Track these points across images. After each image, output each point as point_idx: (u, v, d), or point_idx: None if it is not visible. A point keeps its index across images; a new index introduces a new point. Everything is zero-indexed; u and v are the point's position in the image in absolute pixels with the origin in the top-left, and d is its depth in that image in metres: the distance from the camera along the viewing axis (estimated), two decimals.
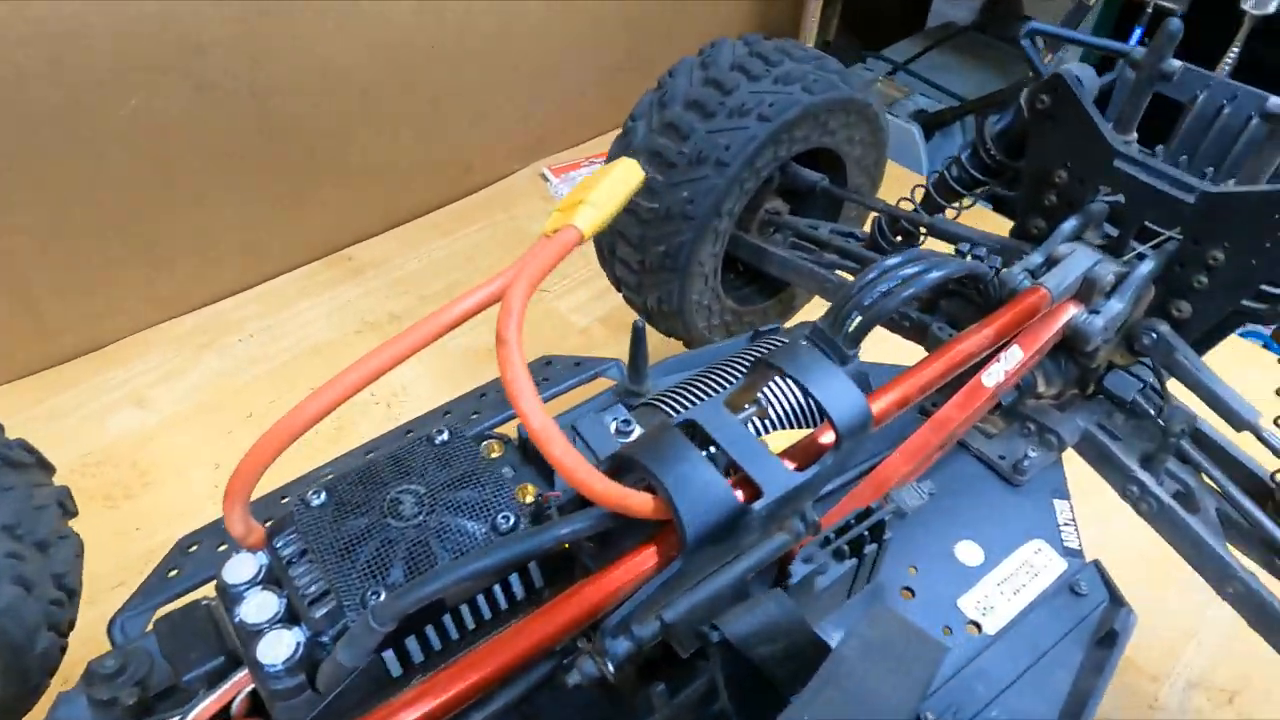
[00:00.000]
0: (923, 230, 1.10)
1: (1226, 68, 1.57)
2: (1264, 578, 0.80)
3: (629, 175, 0.66)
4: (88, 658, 0.65)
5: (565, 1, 1.87)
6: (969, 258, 0.89)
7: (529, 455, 0.74)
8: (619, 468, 0.60)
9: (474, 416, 0.87)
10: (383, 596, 0.56)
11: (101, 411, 1.44)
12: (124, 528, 1.29)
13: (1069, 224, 0.85)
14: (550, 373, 0.93)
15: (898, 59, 2.46)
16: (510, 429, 0.84)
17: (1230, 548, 0.83)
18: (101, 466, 1.37)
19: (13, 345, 1.43)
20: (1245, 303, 0.83)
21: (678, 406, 0.78)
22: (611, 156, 1.17)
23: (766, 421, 0.74)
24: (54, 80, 1.25)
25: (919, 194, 1.09)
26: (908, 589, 0.77)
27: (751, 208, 1.22)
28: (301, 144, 1.62)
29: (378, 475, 0.64)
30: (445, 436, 0.67)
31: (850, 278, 1.14)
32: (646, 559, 0.57)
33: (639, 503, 0.56)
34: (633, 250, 1.15)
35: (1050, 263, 0.83)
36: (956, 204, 1.04)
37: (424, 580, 0.53)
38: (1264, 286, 0.80)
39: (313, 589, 0.57)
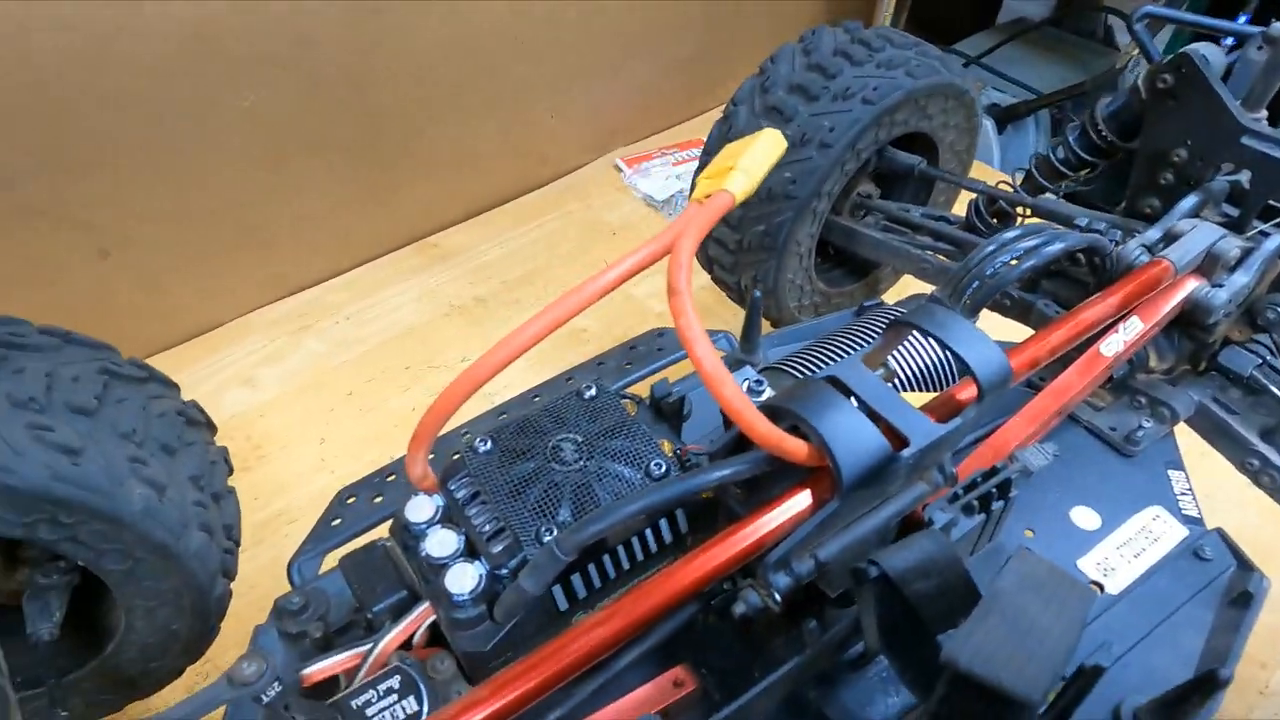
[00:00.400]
0: (1021, 213, 1.11)
1: None
2: None
3: (774, 144, 0.69)
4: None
5: None
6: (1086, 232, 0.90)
7: (661, 414, 0.78)
8: (769, 417, 0.63)
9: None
10: (555, 533, 0.61)
11: (217, 390, 1.53)
12: (243, 499, 1.35)
13: (1189, 200, 0.86)
14: (663, 343, 0.97)
15: (970, 53, 2.45)
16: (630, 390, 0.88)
17: None
18: (220, 441, 1.45)
19: (141, 327, 1.52)
20: None
21: (804, 371, 0.81)
22: (711, 140, 1.21)
23: (893, 384, 0.77)
24: (184, 75, 1.33)
25: (1019, 176, 1.11)
26: (1026, 550, 0.79)
27: (844, 191, 1.24)
28: (394, 135, 1.69)
29: (537, 425, 0.68)
30: (593, 391, 0.72)
31: (946, 260, 1.16)
32: (801, 501, 0.60)
33: (795, 446, 0.59)
34: (730, 230, 1.19)
35: (1169, 238, 0.84)
36: (1058, 185, 1.05)
37: (599, 515, 0.57)
38: None
39: (488, 527, 0.62)
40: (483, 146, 1.86)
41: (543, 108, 1.93)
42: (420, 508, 0.64)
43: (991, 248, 0.79)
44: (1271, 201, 0.83)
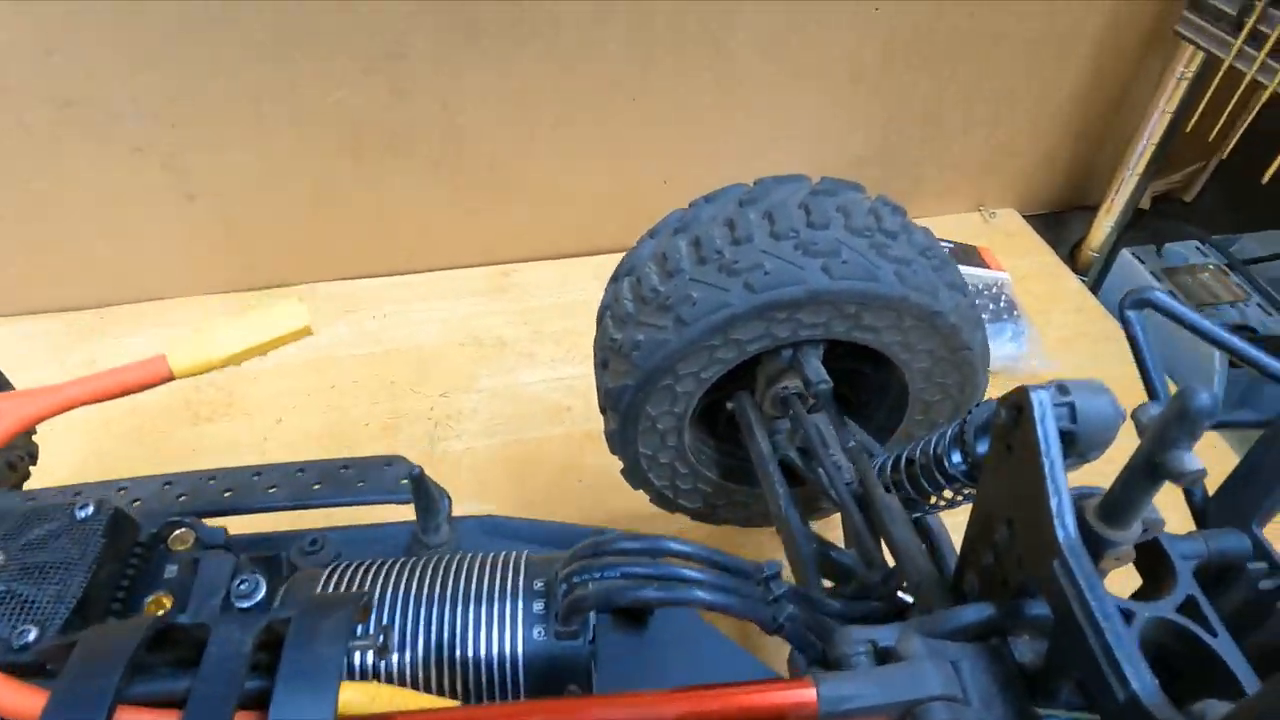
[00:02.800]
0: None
1: None
2: None
3: (282, 320, 0.55)
4: None
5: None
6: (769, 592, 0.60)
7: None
8: None
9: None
10: None
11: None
12: (193, 445, 1.49)
13: (969, 612, 0.54)
14: (370, 477, 0.84)
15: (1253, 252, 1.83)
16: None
17: None
18: (209, 388, 1.60)
19: (218, 266, 1.74)
20: None
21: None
22: (619, 267, 1.02)
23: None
24: (280, 60, 1.47)
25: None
26: None
27: (767, 381, 0.98)
28: (483, 157, 1.71)
29: None
30: (89, 511, 0.64)
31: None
32: None
33: None
34: (604, 374, 1.01)
35: (898, 654, 0.53)
36: (941, 497, 0.72)
37: None
38: None
39: None
40: (585, 189, 1.81)
41: (654, 172, 1.83)
42: None
43: (596, 547, 0.57)
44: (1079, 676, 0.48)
